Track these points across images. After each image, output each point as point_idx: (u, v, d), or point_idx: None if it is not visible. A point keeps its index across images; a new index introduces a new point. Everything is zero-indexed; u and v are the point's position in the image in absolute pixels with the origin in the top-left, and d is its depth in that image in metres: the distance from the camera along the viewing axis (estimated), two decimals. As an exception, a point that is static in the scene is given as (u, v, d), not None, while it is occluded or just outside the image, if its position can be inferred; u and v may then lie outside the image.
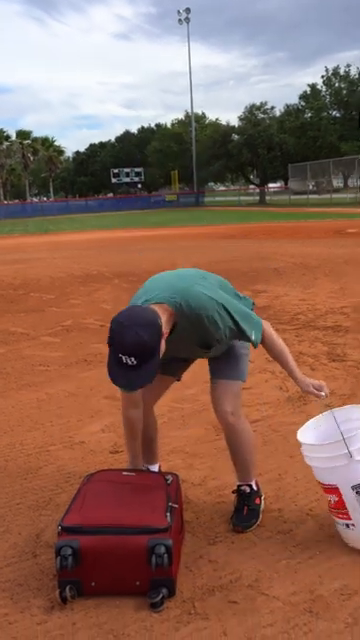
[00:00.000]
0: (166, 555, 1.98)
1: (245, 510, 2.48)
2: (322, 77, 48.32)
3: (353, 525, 2.24)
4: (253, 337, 2.31)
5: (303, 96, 49.55)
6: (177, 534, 2.17)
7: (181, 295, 2.14)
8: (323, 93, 48.60)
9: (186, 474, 2.92)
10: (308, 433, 2.41)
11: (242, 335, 2.30)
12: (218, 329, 2.21)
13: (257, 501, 2.55)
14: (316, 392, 2.39)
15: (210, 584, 2.12)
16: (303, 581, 2.12)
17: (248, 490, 2.55)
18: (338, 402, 3.82)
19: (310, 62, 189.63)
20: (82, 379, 4.63)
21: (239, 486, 2.58)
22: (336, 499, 2.25)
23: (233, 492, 2.61)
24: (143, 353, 1.98)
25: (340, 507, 2.25)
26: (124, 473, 2.40)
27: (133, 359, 1.97)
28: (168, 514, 2.08)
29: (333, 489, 2.24)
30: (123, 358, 1.98)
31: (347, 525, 2.26)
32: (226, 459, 3.08)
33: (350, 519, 2.24)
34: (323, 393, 2.38)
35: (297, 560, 2.24)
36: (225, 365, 2.47)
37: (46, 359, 5.28)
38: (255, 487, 2.59)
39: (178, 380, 2.64)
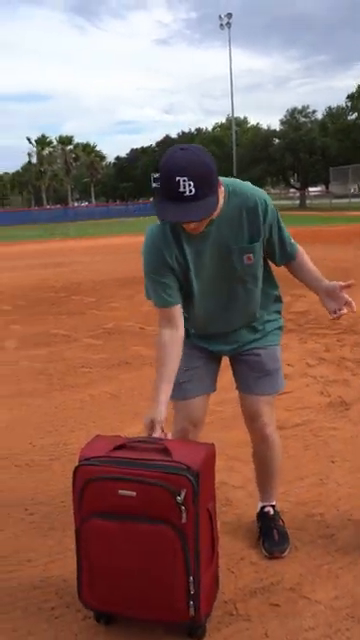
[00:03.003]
0: None
1: (276, 534, 2.34)
2: None
3: None
4: (290, 249, 2.20)
5: (350, 96, 48.91)
6: (206, 573, 1.87)
7: (233, 183, 2.01)
8: None
9: (227, 476, 2.94)
10: None
11: (282, 239, 2.14)
12: (266, 216, 2.01)
13: (281, 523, 2.43)
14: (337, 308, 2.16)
15: (252, 586, 2.13)
16: (345, 586, 2.11)
17: (272, 512, 2.44)
18: (381, 408, 3.78)
19: (353, 64, 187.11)
20: (123, 381, 4.69)
21: (263, 507, 2.47)
22: None
23: (257, 515, 2.50)
24: (204, 178, 1.73)
25: None
26: (120, 492, 1.77)
27: (192, 185, 1.71)
28: (192, 604, 1.78)
29: None
30: (180, 182, 1.71)
31: None
32: (267, 463, 3.09)
33: None
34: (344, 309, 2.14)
35: (339, 565, 2.23)
36: (260, 380, 2.25)
37: (88, 361, 5.36)
38: (277, 507, 2.49)
39: (214, 391, 2.39)
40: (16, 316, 7.81)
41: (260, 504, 2.49)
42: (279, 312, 2.36)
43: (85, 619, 1.99)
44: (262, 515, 2.45)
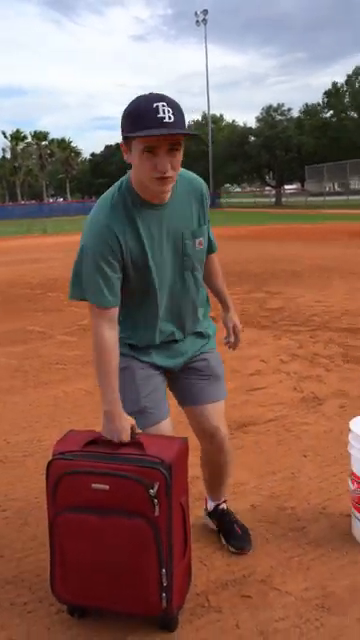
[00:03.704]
0: None
1: (238, 529, 2.35)
2: (348, 76, 48.18)
3: None
4: (214, 240, 2.20)
5: (327, 93, 49.37)
6: (179, 566, 1.89)
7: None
8: (345, 93, 48.50)
9: (199, 471, 2.96)
10: None
11: (209, 228, 2.12)
12: (207, 202, 2.03)
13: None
14: (232, 333, 2.31)
15: (223, 578, 2.16)
16: (315, 578, 2.15)
17: (226, 507, 2.45)
18: (353, 403, 3.85)
19: (328, 63, 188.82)
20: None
21: (217, 505, 2.44)
22: None
23: (209, 514, 2.46)
24: (181, 112, 1.69)
25: None
26: (93, 486, 1.79)
27: (171, 112, 1.65)
28: (164, 596, 1.80)
29: None
30: (159, 107, 1.64)
31: None
32: (239, 456, 3.13)
33: None
34: (232, 338, 2.32)
35: (310, 557, 2.27)
36: (211, 387, 2.17)
37: (63, 358, 5.35)
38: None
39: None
40: (-10, 313, 7.75)
41: (212, 504, 2.46)
42: (209, 315, 2.26)
43: (58, 613, 2.00)
44: (218, 513, 2.43)
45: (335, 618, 1.94)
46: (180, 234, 1.94)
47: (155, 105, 1.64)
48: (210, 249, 2.18)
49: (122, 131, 1.73)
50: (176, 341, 2.10)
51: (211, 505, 2.46)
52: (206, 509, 2.50)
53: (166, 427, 2.07)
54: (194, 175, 2.03)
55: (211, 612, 1.99)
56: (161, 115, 1.63)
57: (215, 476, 2.40)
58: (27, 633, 1.93)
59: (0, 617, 2.01)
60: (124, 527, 1.78)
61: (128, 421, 1.88)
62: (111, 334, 1.89)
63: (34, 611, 2.03)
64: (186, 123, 1.76)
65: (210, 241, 2.16)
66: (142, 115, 1.65)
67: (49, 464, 1.85)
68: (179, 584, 1.89)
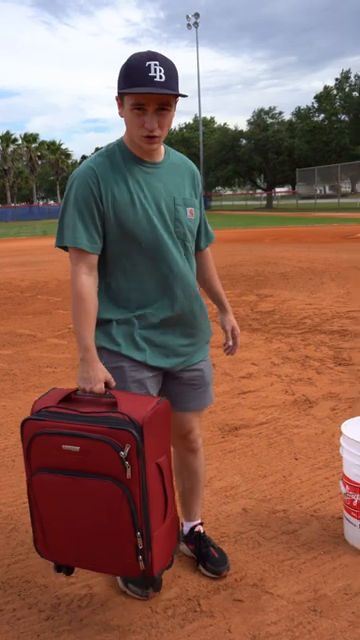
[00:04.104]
0: None
1: (214, 553, 2.23)
2: (336, 80, 48.55)
3: None
4: (211, 229, 2.21)
5: (318, 97, 49.71)
6: (159, 529, 1.82)
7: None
8: (335, 96, 48.90)
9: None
10: (353, 428, 2.39)
11: (204, 218, 2.14)
12: (198, 188, 2.05)
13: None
14: (230, 336, 2.26)
15: (215, 583, 2.15)
16: (307, 581, 2.14)
17: (202, 529, 2.33)
18: (344, 405, 3.85)
19: (319, 66, 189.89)
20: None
21: (192, 528, 2.33)
22: None
23: (185, 538, 2.34)
24: (173, 71, 1.74)
25: None
26: (64, 447, 1.75)
27: (162, 72, 1.70)
28: (140, 558, 1.75)
29: None
30: (151, 66, 1.69)
31: None
32: (231, 460, 3.12)
33: None
34: (231, 342, 2.27)
35: (301, 560, 2.26)
36: (200, 396, 2.15)
37: (53, 361, 5.32)
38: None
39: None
40: (-20, 315, 7.70)
41: (188, 525, 2.35)
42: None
43: (48, 619, 1.98)
44: (194, 537, 2.31)
45: (327, 621, 1.93)
46: (172, 198, 1.93)
47: (147, 64, 1.69)
48: (207, 237, 2.18)
49: (117, 86, 1.78)
50: (176, 330, 2.00)
51: (187, 527, 2.34)
52: (182, 533, 2.35)
53: None
54: (188, 159, 2.07)
55: (203, 617, 1.97)
56: (152, 74, 1.68)
57: (188, 486, 2.30)
58: (17, 639, 1.91)
59: (-11, 624, 1.99)
60: (96, 489, 1.72)
61: (103, 372, 1.83)
62: (89, 281, 1.85)
63: (23, 617, 2.01)
64: (179, 83, 1.78)
65: (206, 229, 2.17)
66: (134, 72, 1.70)
67: (22, 424, 1.80)
68: (160, 546, 1.82)
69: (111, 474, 1.70)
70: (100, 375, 1.82)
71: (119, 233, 1.87)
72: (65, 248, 1.89)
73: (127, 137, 1.88)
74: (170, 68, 1.73)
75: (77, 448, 1.71)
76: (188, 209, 1.98)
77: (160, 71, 1.69)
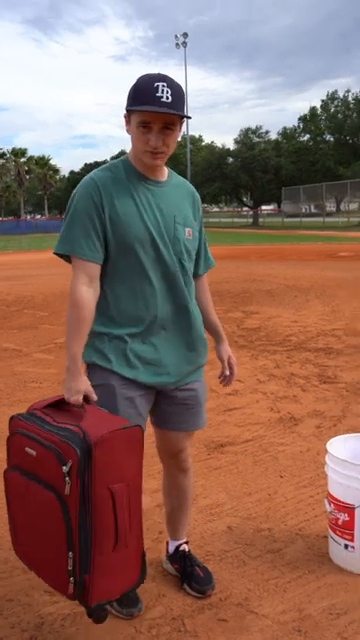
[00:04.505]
0: None
1: (199, 572, 2.22)
2: (322, 101, 49.36)
3: (353, 547, 2.28)
4: (210, 256, 2.25)
5: (303, 118, 50.49)
6: (105, 558, 1.74)
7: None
8: (320, 117, 49.73)
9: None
10: (338, 446, 2.41)
11: (205, 243, 2.19)
12: (198, 211, 2.11)
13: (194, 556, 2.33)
14: (227, 366, 2.25)
15: (200, 602, 2.13)
16: (292, 600, 2.14)
17: (187, 549, 2.31)
18: (329, 423, 3.87)
19: (304, 87, 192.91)
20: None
21: (177, 547, 2.31)
22: (347, 519, 2.28)
23: (170, 557, 2.33)
24: (180, 94, 1.82)
25: (347, 527, 2.28)
26: (26, 449, 1.79)
27: (169, 93, 1.78)
28: (72, 580, 1.69)
29: (348, 509, 2.27)
30: (159, 87, 1.77)
31: (346, 546, 2.29)
32: (216, 477, 3.12)
33: (352, 541, 2.27)
34: (227, 372, 2.26)
35: (286, 579, 2.26)
36: (192, 417, 2.14)
37: (39, 376, 5.29)
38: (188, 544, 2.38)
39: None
40: (-35, 329, 7.64)
41: (173, 543, 2.33)
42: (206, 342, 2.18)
43: (31, 639, 1.95)
44: (179, 556, 2.29)
45: (312, 642, 1.93)
46: (172, 216, 1.97)
47: (156, 84, 1.76)
48: (206, 263, 2.21)
49: (126, 104, 1.85)
50: (167, 345, 2.00)
51: (172, 546, 2.33)
52: (167, 552, 2.36)
53: None
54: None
55: (187, 637, 1.96)
56: (159, 94, 1.75)
57: (176, 505, 2.29)
58: (-2, 660, 1.89)
59: (-30, 644, 1.96)
60: (41, 496, 1.73)
61: (84, 384, 1.84)
62: (88, 290, 1.87)
63: (5, 637, 1.98)
64: (185, 106, 1.85)
65: (206, 255, 2.21)
66: (142, 91, 1.78)
67: (10, 420, 1.88)
68: (104, 575, 1.73)
69: (55, 486, 1.70)
70: (80, 387, 1.83)
71: (117, 245, 1.89)
72: (67, 258, 1.91)
73: (132, 154, 1.93)
74: (177, 90, 1.80)
75: (34, 452, 1.74)
76: (187, 229, 2.01)
77: (167, 92, 1.76)
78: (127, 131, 1.90)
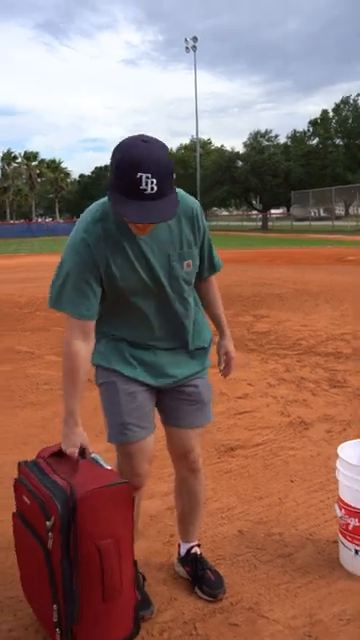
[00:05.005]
0: None
1: (210, 575, 2.22)
2: (335, 104, 49.33)
3: None
4: (217, 260, 2.17)
5: (313, 122, 50.45)
6: (91, 611, 1.76)
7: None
8: (331, 121, 49.73)
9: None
10: (349, 451, 2.41)
11: (210, 247, 2.11)
12: (200, 223, 2.00)
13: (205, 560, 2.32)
14: (223, 361, 2.28)
15: (211, 606, 2.14)
16: (303, 605, 2.14)
17: (199, 551, 2.31)
18: (339, 428, 3.87)
19: (314, 91, 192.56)
20: (87, 398, 4.60)
21: (189, 550, 2.31)
22: (357, 524, 2.28)
23: (181, 560, 2.33)
24: (167, 175, 1.64)
25: (358, 533, 2.28)
26: (23, 497, 1.90)
27: (154, 183, 1.61)
28: (58, 631, 1.75)
29: (358, 514, 2.27)
30: (142, 179, 1.60)
31: (357, 551, 2.29)
32: (227, 480, 3.13)
33: None
34: (222, 366, 2.30)
35: (297, 584, 2.26)
36: (196, 413, 2.15)
37: (51, 378, 5.32)
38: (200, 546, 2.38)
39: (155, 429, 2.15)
40: (-24, 332, 7.70)
41: (185, 546, 2.33)
42: (211, 341, 2.23)
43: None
44: (190, 559, 2.29)
45: (323, 647, 1.93)
46: (167, 255, 1.93)
47: (139, 175, 1.60)
48: (211, 268, 2.16)
49: (109, 178, 1.71)
50: (167, 354, 2.07)
51: (184, 549, 2.33)
52: (178, 555, 2.36)
53: (149, 445, 2.06)
54: (186, 196, 1.99)
55: (198, 640, 1.97)
56: (143, 187, 1.61)
57: (187, 508, 2.30)
58: (12, 661, 1.90)
59: (-16, 644, 1.98)
60: (33, 544, 1.81)
61: (80, 437, 1.89)
62: (83, 346, 1.87)
63: (19, 638, 2.00)
64: (172, 182, 1.69)
65: (211, 261, 2.14)
66: (124, 180, 1.62)
67: (18, 466, 1.98)
68: (92, 626, 1.76)
69: (40, 537, 1.77)
70: (76, 440, 1.88)
71: (112, 295, 1.91)
72: None
73: None
74: (162, 174, 1.63)
75: (28, 502, 1.83)
76: (185, 262, 1.98)
77: (152, 183, 1.60)
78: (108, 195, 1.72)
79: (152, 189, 1.61)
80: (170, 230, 1.92)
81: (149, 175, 1.60)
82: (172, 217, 1.74)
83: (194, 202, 2.01)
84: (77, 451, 1.87)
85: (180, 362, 2.10)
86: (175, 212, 1.71)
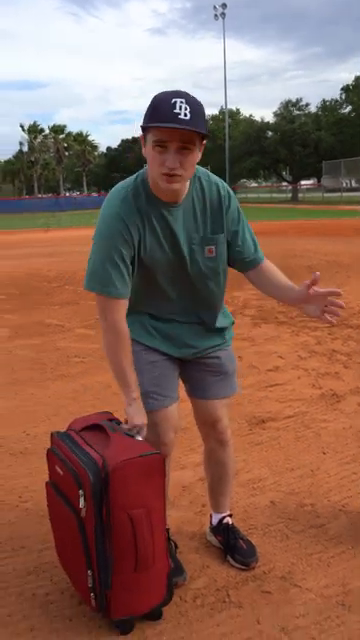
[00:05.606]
0: None
1: (243, 544, 2.24)
2: None
3: None
4: (258, 249, 2.07)
5: (345, 88, 49.11)
6: (125, 577, 1.81)
7: (198, 170, 1.92)
8: None
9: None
10: None
11: (252, 236, 2.04)
12: (229, 207, 1.95)
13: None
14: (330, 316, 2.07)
15: (244, 574, 2.16)
16: (336, 575, 2.14)
17: (231, 522, 2.34)
18: (372, 401, 3.82)
19: (346, 57, 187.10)
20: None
21: (221, 519, 2.34)
22: None
23: (213, 529, 2.36)
24: (200, 110, 1.68)
25: None
26: (56, 467, 1.95)
27: (188, 110, 1.64)
28: (92, 595, 1.82)
29: None
30: (177, 103, 1.63)
31: None
32: (258, 452, 3.13)
33: None
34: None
35: (330, 554, 2.27)
36: (220, 384, 2.17)
37: (81, 351, 5.37)
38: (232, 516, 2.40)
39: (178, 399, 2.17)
40: (9, 305, 7.80)
41: (216, 516, 2.36)
42: (232, 323, 2.23)
43: (80, 604, 2.02)
44: (222, 528, 2.31)
45: (355, 616, 1.93)
46: (189, 237, 1.92)
47: (173, 100, 1.64)
48: (254, 260, 2.05)
49: (142, 122, 1.74)
50: (187, 326, 2.08)
51: (215, 519, 2.36)
52: (210, 525, 2.38)
53: (170, 414, 2.07)
54: (215, 179, 1.98)
55: (232, 607, 2.00)
56: (177, 111, 1.63)
57: (217, 479, 2.32)
58: (49, 623, 1.95)
59: (22, 607, 2.04)
60: (65, 512, 1.86)
61: (141, 418, 1.94)
62: (122, 320, 1.90)
63: (56, 602, 2.05)
64: (205, 124, 1.72)
65: (251, 250, 2.04)
66: (158, 108, 1.66)
67: (51, 436, 2.03)
68: (125, 592, 1.82)
69: (73, 506, 1.82)
70: (137, 421, 1.94)
71: (139, 270, 1.91)
72: None
73: (150, 177, 1.83)
74: (196, 107, 1.67)
75: (61, 472, 1.87)
76: (206, 248, 1.95)
77: (186, 109, 1.63)
78: (143, 153, 1.77)
79: (185, 115, 1.63)
80: (194, 213, 1.91)
81: (183, 101, 1.64)
82: (203, 131, 1.70)
83: (222, 185, 1.97)
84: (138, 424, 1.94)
85: (201, 334, 2.11)
86: (203, 137, 1.72)
